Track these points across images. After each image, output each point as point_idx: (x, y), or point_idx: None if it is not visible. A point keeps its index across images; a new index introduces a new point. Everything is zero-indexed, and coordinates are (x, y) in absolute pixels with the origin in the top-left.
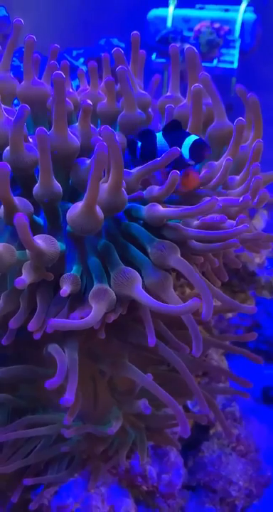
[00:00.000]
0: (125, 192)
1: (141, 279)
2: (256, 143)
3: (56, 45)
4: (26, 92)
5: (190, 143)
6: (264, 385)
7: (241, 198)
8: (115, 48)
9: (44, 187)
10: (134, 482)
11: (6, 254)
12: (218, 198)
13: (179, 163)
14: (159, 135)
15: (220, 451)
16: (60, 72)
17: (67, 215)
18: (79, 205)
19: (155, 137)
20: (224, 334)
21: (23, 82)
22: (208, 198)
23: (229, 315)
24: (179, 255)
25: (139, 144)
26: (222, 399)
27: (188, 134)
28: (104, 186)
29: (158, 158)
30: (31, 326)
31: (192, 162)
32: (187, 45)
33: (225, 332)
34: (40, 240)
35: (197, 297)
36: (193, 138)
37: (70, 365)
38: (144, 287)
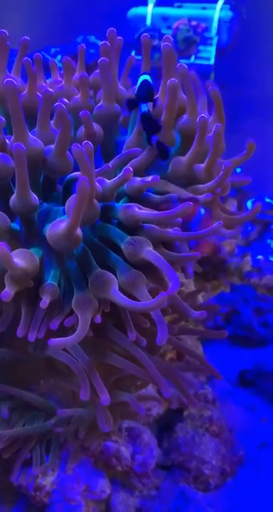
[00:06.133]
0: (97, 203)
1: (116, 281)
2: (215, 127)
3: (26, 37)
4: None
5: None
6: (241, 369)
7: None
8: (103, 42)
9: (21, 200)
10: (109, 463)
11: None
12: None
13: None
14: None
15: (194, 432)
16: (11, 79)
17: (48, 232)
18: (61, 227)
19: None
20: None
21: None
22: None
23: (200, 299)
24: (151, 248)
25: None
26: (194, 382)
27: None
28: None
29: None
30: (19, 332)
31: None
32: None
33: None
34: (19, 259)
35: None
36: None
37: (87, 369)
38: (119, 287)
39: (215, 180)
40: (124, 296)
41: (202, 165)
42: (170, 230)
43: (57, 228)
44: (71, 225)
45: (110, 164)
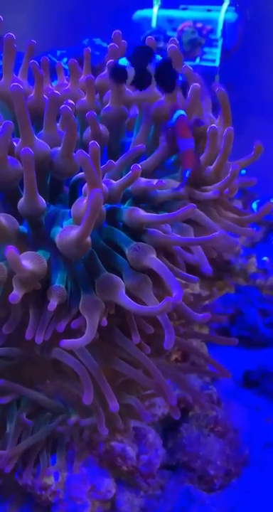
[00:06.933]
0: (103, 207)
1: (123, 285)
2: (227, 130)
3: (33, 40)
4: (4, 91)
5: None
6: (245, 369)
7: None
8: (111, 44)
9: (29, 204)
10: (114, 463)
11: None
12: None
13: None
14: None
15: (199, 432)
16: (17, 84)
17: (58, 238)
18: (72, 234)
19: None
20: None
21: (2, 80)
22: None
23: (206, 301)
24: (154, 256)
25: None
26: (200, 382)
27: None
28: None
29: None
30: (28, 335)
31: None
32: (170, 45)
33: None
34: (28, 261)
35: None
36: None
37: (95, 373)
38: (126, 290)
39: (222, 182)
40: (131, 300)
41: (211, 167)
42: (173, 235)
43: (67, 235)
44: (82, 234)
45: (116, 163)
